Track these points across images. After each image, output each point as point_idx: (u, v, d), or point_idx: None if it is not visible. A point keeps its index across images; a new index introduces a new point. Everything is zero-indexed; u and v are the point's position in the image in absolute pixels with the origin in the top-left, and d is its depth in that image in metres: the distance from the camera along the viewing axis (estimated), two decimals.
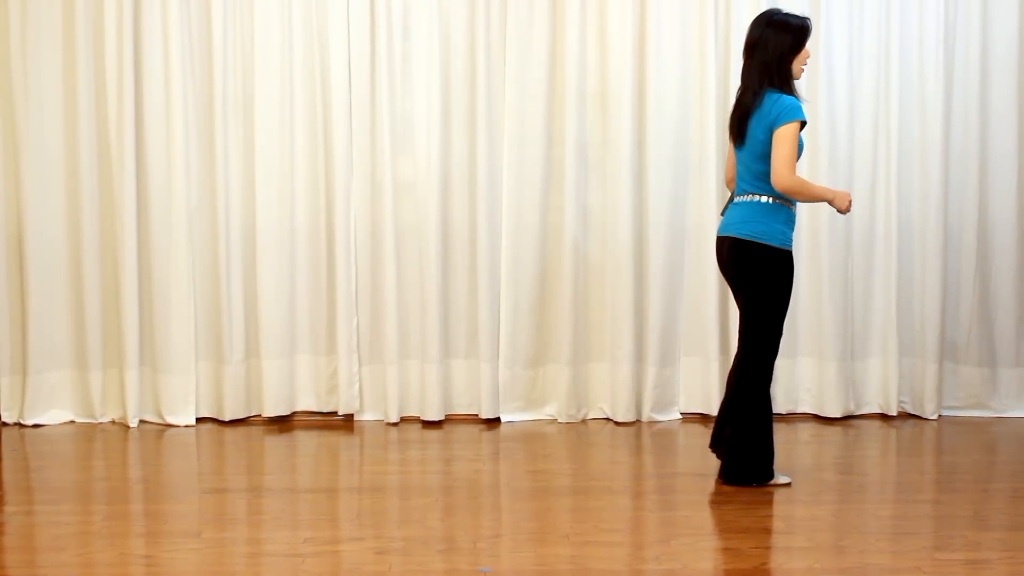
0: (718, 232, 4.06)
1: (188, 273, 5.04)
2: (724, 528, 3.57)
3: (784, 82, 3.90)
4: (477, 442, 4.81)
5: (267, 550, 3.36)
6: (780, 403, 5.14)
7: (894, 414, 5.19)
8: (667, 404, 5.20)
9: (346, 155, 5.05)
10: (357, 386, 5.15)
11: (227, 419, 5.11)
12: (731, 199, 4.06)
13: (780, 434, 4.61)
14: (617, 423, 5.11)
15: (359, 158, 5.08)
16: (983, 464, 4.49)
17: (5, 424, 5.09)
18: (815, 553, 3.30)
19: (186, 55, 4.98)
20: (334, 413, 5.22)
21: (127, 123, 4.97)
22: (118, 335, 5.07)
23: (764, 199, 3.91)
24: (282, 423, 5.16)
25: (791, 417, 5.21)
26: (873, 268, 5.18)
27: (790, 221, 3.94)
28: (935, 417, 5.18)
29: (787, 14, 3.97)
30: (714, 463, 4.19)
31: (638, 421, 5.15)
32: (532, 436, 4.90)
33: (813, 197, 3.91)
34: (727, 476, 4.02)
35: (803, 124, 3.83)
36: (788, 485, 4.02)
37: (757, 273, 3.90)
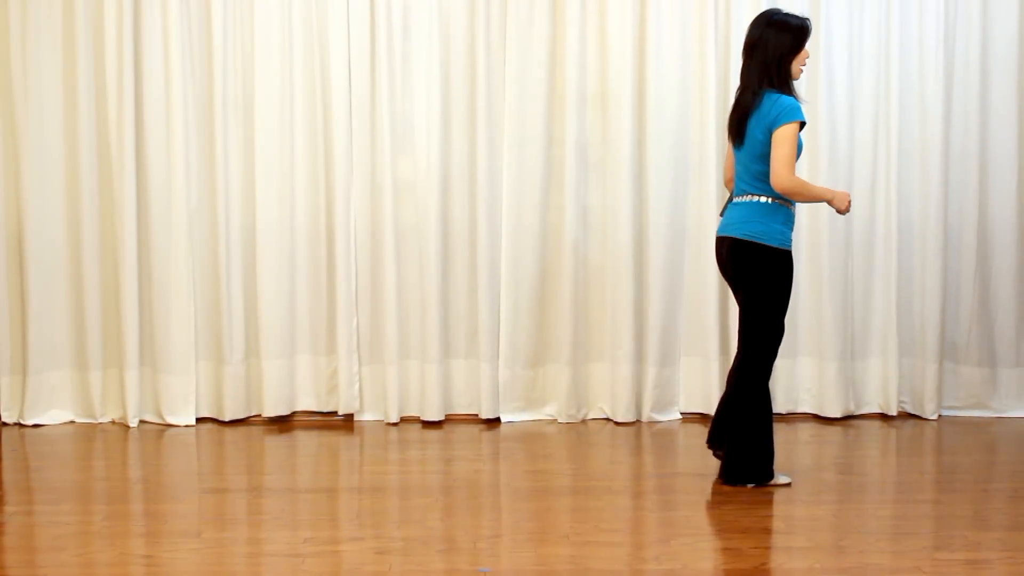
0: (717, 232, 4.06)
1: (188, 273, 5.04)
2: (724, 528, 3.57)
3: (783, 82, 3.90)
4: (477, 442, 4.81)
5: (267, 550, 3.36)
6: (780, 403, 5.14)
7: (894, 414, 5.19)
8: (667, 404, 5.20)
9: (346, 155, 5.05)
10: (357, 386, 5.15)
11: (227, 419, 5.11)
12: (730, 199, 4.06)
13: (780, 434, 4.61)
14: (617, 423, 5.12)
15: (359, 158, 5.08)
16: (983, 464, 4.49)
17: (5, 424, 5.09)
18: (815, 553, 3.30)
19: (186, 55, 4.98)
20: (334, 413, 5.22)
21: (127, 123, 4.97)
22: (118, 335, 5.07)
23: (763, 199, 3.91)
24: (282, 423, 5.16)
25: (791, 417, 5.21)
26: (873, 268, 5.18)
27: (789, 221, 3.94)
28: (935, 417, 5.18)
29: (787, 14, 3.97)
30: (714, 463, 4.19)
31: (638, 421, 5.15)
32: (532, 436, 4.90)
33: (812, 197, 3.91)
34: (727, 476, 4.02)
35: (802, 125, 3.83)
36: (788, 485, 4.02)
37: (756, 273, 3.91)
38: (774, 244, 3.88)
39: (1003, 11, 5.12)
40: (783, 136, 3.79)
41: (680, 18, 5.04)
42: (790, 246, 3.93)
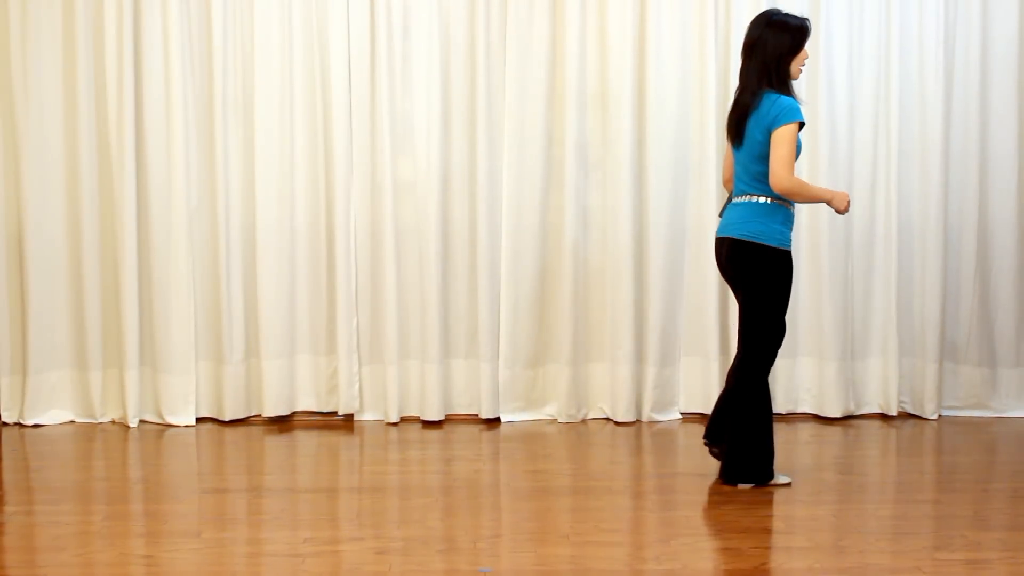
0: (717, 233, 4.06)
1: (188, 273, 5.04)
2: (724, 528, 3.57)
3: (782, 83, 3.90)
4: (477, 442, 4.81)
5: (267, 550, 3.36)
6: (780, 403, 5.14)
7: (894, 414, 5.19)
8: (667, 404, 5.20)
9: (346, 155, 5.05)
10: (357, 386, 5.15)
11: (227, 419, 5.11)
12: (729, 200, 4.06)
13: (780, 434, 4.62)
14: (617, 423, 5.12)
15: (359, 158, 5.08)
16: (983, 464, 4.49)
17: (5, 424, 5.09)
18: (815, 553, 3.30)
19: (186, 55, 4.98)
20: (334, 413, 5.22)
21: (127, 123, 4.97)
22: (118, 335, 5.07)
23: (762, 199, 3.91)
24: (282, 423, 5.16)
25: (791, 417, 5.21)
26: (873, 268, 5.18)
27: (788, 221, 3.94)
28: (935, 417, 5.18)
29: (786, 14, 3.97)
30: (714, 463, 4.20)
31: (638, 421, 5.15)
32: (532, 436, 4.90)
33: (811, 198, 3.91)
34: (727, 476, 4.02)
35: (801, 125, 3.83)
36: (788, 485, 4.02)
37: (756, 273, 3.91)
38: (773, 244, 3.88)
39: (1003, 11, 5.12)
40: (782, 137, 3.79)
41: (680, 18, 5.04)
42: (790, 246, 3.93)
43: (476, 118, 5.07)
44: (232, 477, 4.31)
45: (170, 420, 5.08)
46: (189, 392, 5.09)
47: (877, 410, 5.24)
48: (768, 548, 3.39)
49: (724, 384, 4.13)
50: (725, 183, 4.20)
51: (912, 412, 5.24)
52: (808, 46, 4.03)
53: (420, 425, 5.11)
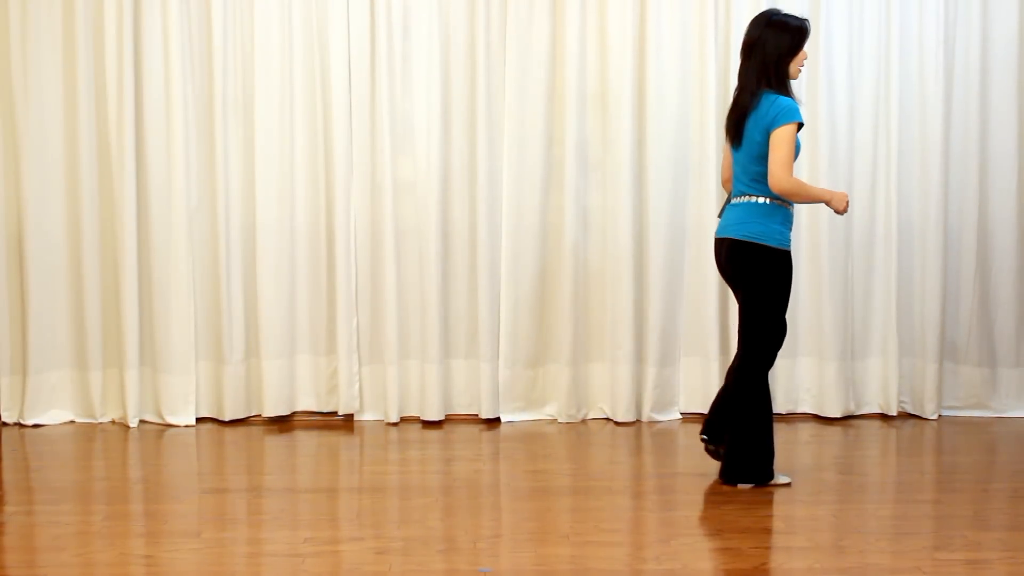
0: (716, 234, 4.06)
1: (188, 273, 5.04)
2: (724, 528, 3.57)
3: (781, 83, 3.90)
4: (477, 442, 4.81)
5: (267, 550, 3.36)
6: (780, 403, 5.14)
7: (894, 414, 5.19)
8: (667, 404, 5.20)
9: (346, 155, 5.05)
10: (357, 386, 5.15)
11: (227, 419, 5.11)
12: (728, 200, 4.06)
13: (780, 434, 4.61)
14: (617, 423, 5.11)
15: (359, 158, 5.08)
16: (983, 464, 4.49)
17: (5, 424, 5.09)
18: (815, 553, 3.30)
19: (186, 55, 4.98)
20: (334, 413, 5.22)
21: (127, 123, 4.96)
22: (118, 335, 5.07)
23: (761, 200, 3.91)
24: (282, 423, 5.16)
25: (791, 417, 5.21)
26: (873, 268, 5.18)
27: (787, 221, 3.94)
28: (935, 417, 5.18)
29: (786, 15, 3.97)
30: (714, 463, 4.19)
31: (638, 421, 5.15)
32: (532, 436, 4.90)
33: (810, 198, 3.90)
34: (727, 476, 4.02)
35: (800, 126, 3.82)
36: (788, 485, 4.02)
37: (756, 274, 3.90)
38: (773, 244, 3.88)
39: (1003, 11, 5.12)
40: (781, 138, 3.79)
41: (680, 18, 5.04)
42: (789, 246, 3.93)
43: (476, 118, 5.07)
44: (232, 477, 4.31)
45: (170, 420, 5.08)
46: (189, 392, 5.09)
47: (877, 410, 5.24)
48: (768, 548, 3.39)
49: (723, 382, 4.13)
50: (724, 183, 4.20)
51: (912, 412, 5.24)
52: (808, 47, 4.03)
53: (420, 425, 5.11)
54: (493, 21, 5.05)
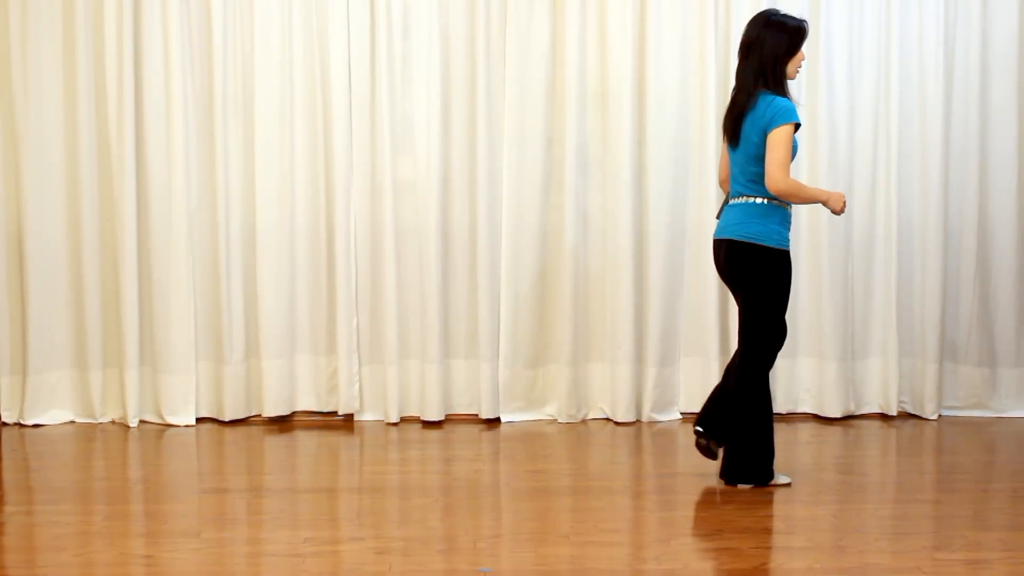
0: (714, 235, 4.05)
1: (188, 273, 5.04)
2: (724, 528, 3.57)
3: (778, 83, 3.90)
4: (477, 442, 4.81)
5: (267, 550, 3.36)
6: (780, 403, 5.15)
7: (894, 414, 5.19)
8: (667, 404, 5.20)
9: (346, 155, 5.05)
10: (357, 386, 5.15)
11: (227, 419, 5.11)
12: (726, 201, 4.05)
13: (780, 434, 4.61)
14: (617, 423, 5.12)
15: (359, 158, 5.08)
16: (983, 464, 4.49)
17: (5, 424, 5.09)
18: (815, 553, 3.30)
19: (186, 55, 4.98)
20: (334, 413, 5.22)
21: (127, 123, 4.97)
22: (118, 335, 5.07)
23: (759, 200, 3.90)
24: (282, 423, 5.16)
25: (791, 417, 5.21)
26: (873, 268, 5.19)
27: (786, 221, 3.94)
28: (935, 417, 5.18)
29: (784, 15, 3.97)
30: (714, 464, 4.19)
31: (638, 421, 5.15)
32: (532, 436, 4.90)
33: (807, 199, 3.90)
34: (727, 476, 4.02)
35: (797, 126, 3.82)
36: (788, 485, 4.02)
37: (755, 274, 3.90)
38: (772, 244, 3.88)
39: (1003, 11, 5.12)
40: (778, 138, 3.79)
41: (680, 18, 5.04)
42: (788, 246, 3.93)
43: (476, 118, 5.07)
44: (232, 477, 4.31)
45: (170, 420, 5.08)
46: (189, 392, 5.09)
47: (877, 410, 5.24)
48: (768, 548, 3.39)
49: (721, 378, 4.12)
50: (721, 183, 4.20)
51: (912, 412, 5.24)
52: (808, 47, 4.03)
53: (420, 425, 5.11)
54: (493, 21, 5.05)
